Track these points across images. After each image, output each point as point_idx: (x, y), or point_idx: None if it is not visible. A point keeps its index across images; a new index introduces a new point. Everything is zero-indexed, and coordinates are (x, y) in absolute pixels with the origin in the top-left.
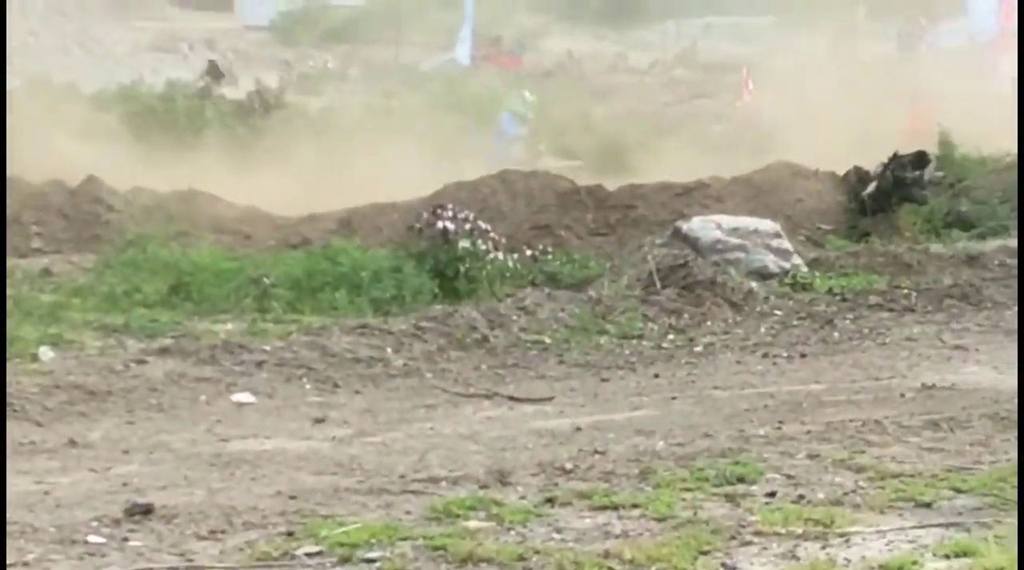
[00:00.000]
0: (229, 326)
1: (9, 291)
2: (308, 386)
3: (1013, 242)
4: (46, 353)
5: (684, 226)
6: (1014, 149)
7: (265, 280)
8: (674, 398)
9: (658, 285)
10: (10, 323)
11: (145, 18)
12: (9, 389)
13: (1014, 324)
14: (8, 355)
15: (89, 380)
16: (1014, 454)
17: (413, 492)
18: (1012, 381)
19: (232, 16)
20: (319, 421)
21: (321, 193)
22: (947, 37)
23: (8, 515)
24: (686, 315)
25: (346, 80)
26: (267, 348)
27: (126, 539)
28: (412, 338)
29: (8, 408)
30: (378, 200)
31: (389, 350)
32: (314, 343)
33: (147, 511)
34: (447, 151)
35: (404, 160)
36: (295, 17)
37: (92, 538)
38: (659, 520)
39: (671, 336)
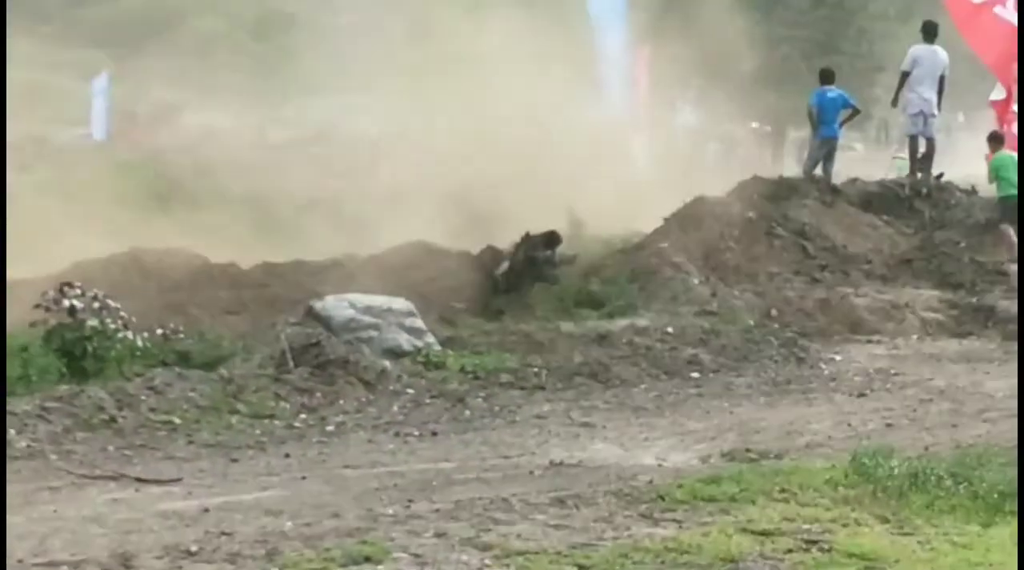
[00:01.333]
0: None
1: None
2: None
3: (641, 321)
4: None
5: (318, 305)
6: (641, 228)
7: None
8: (304, 478)
9: (291, 364)
10: None
11: None
12: None
13: (641, 401)
14: None
15: None
16: (636, 530)
17: None
18: (636, 458)
19: None
20: None
21: None
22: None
23: None
24: (319, 394)
25: None
26: None
27: None
28: (37, 419)
29: None
30: (9, 277)
31: (13, 431)
32: None
33: None
34: (79, 226)
35: (35, 236)
36: None
37: None
38: None
39: (303, 415)
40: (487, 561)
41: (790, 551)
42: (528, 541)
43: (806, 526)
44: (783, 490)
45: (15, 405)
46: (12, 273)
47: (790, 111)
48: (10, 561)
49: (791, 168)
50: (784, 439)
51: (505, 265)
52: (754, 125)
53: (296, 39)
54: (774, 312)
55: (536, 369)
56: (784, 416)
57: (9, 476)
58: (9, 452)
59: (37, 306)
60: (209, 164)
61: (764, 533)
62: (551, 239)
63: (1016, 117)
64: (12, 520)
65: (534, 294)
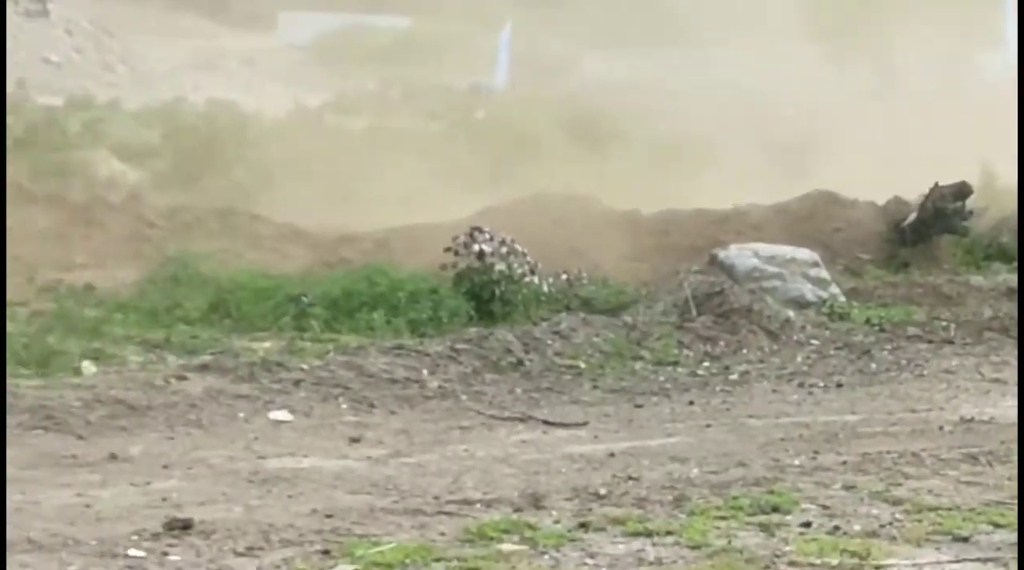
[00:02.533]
0: (267, 344)
1: (52, 305)
2: (344, 405)
3: None
4: (88, 368)
5: (721, 253)
6: None
7: (303, 299)
8: (708, 426)
9: (694, 312)
10: (53, 337)
11: (188, 36)
12: (52, 403)
13: None
14: (51, 369)
15: (130, 395)
16: None
17: (447, 513)
18: None
19: (274, 34)
20: (355, 441)
21: (359, 213)
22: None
23: (49, 527)
24: (722, 343)
25: (386, 101)
26: (304, 367)
27: (165, 554)
28: (448, 360)
29: (50, 421)
30: (416, 221)
31: (425, 371)
32: (351, 363)
33: (186, 526)
34: (486, 173)
35: (442, 181)
36: (337, 37)
37: (132, 552)
38: (693, 548)
39: (706, 363)
40: (898, 515)
41: None
42: (940, 497)
43: None
44: None
45: (428, 345)
46: (423, 218)
47: None
48: (426, 497)
49: None
50: None
51: (912, 216)
52: None
53: None
54: None
55: (944, 323)
56: None
57: (422, 415)
58: (421, 391)
59: (447, 249)
60: (610, 112)
61: None
62: (961, 191)
63: None
64: (426, 457)
65: (942, 246)
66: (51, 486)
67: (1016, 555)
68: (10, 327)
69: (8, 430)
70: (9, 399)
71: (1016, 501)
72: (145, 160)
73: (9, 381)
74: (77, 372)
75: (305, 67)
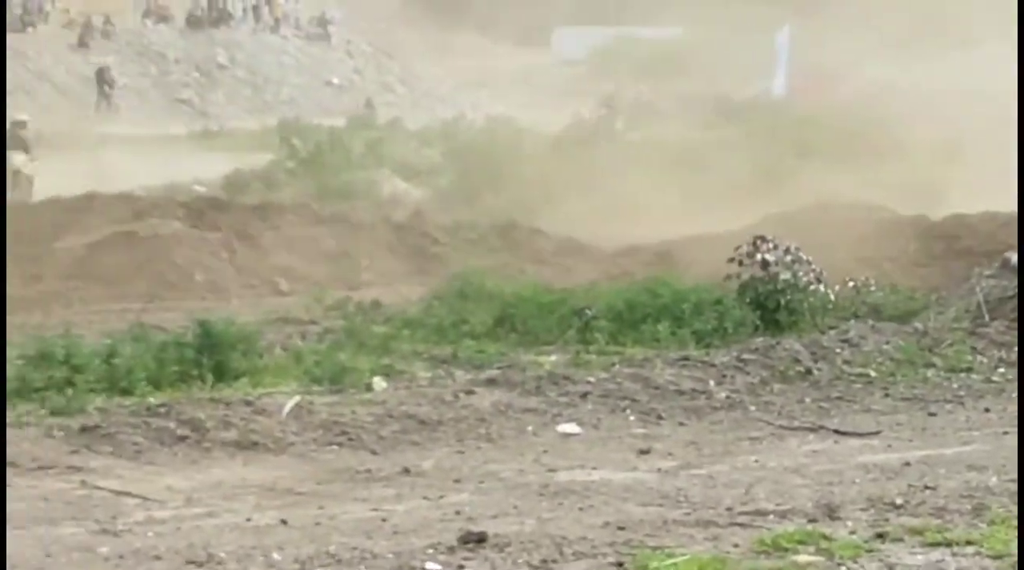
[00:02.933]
0: (553, 357)
1: (342, 323)
2: (632, 417)
3: None
4: (379, 383)
5: (1013, 257)
6: None
7: (587, 312)
8: (1006, 433)
9: (986, 317)
10: (344, 354)
11: (464, 55)
12: (344, 419)
13: None
14: (343, 385)
15: (420, 410)
16: None
17: (740, 525)
18: None
19: (548, 51)
20: (644, 452)
21: (639, 225)
22: None
23: (347, 541)
24: (1016, 348)
25: (661, 112)
26: (591, 379)
27: (461, 567)
28: (734, 370)
29: (344, 437)
30: (697, 232)
31: (711, 382)
32: (637, 375)
33: (480, 539)
34: (765, 181)
35: (721, 191)
36: (609, 50)
37: (429, 565)
38: (995, 558)
39: (1001, 369)
40: None
41: None
42: None
43: None
44: None
45: (714, 356)
46: (705, 227)
47: None
48: (718, 509)
49: None
50: None
51: None
52: None
53: None
54: None
55: None
56: None
57: (710, 426)
58: (709, 402)
59: (731, 260)
60: (889, 117)
61: None
62: None
63: None
64: (717, 468)
65: None
66: (347, 500)
67: None
68: (303, 344)
69: (304, 445)
70: (304, 415)
71: None
72: (427, 178)
73: (304, 397)
74: (368, 388)
75: (579, 81)
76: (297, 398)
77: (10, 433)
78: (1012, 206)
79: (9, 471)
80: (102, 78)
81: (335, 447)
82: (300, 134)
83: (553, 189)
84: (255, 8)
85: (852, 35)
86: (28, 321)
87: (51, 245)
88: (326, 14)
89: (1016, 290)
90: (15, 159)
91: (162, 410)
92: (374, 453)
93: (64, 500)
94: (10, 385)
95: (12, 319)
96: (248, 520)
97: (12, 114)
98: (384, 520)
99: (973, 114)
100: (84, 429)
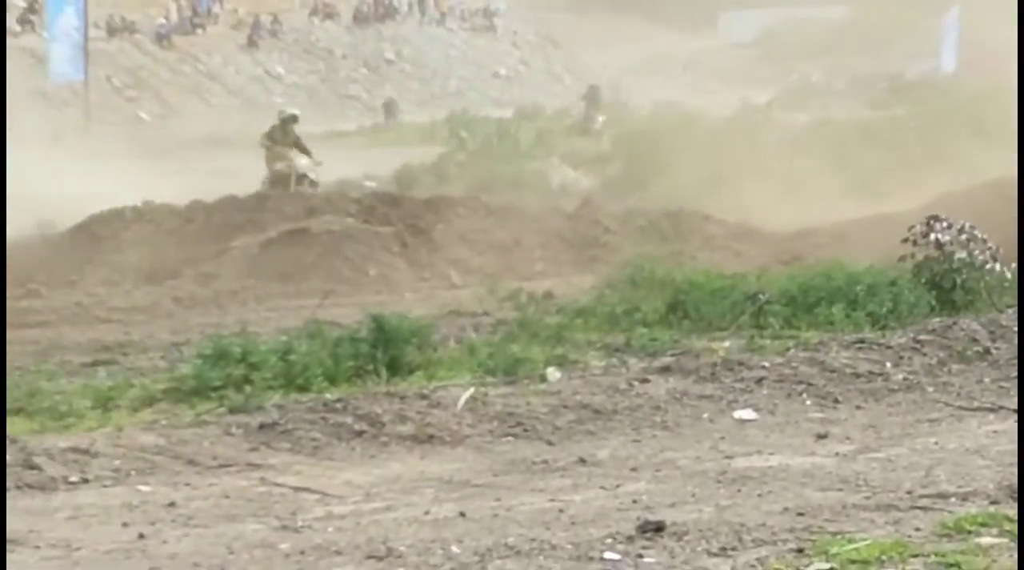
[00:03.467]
0: (727, 343)
1: (515, 314)
2: (808, 402)
3: None
4: (553, 374)
5: None
6: None
7: (760, 297)
8: None
9: None
10: (517, 345)
11: (630, 41)
12: (520, 409)
13: None
14: (517, 376)
15: (595, 399)
16: None
17: (921, 508)
18: None
19: (715, 34)
20: (822, 437)
21: (811, 208)
22: None
23: (526, 533)
24: None
25: (831, 92)
26: (766, 364)
27: (640, 556)
28: (911, 352)
29: (519, 428)
30: (871, 213)
31: (888, 364)
32: (812, 359)
33: (659, 528)
34: (938, 160)
35: (894, 171)
36: (778, 32)
37: (608, 555)
38: None
39: None
40: None
41: None
42: None
43: None
44: None
45: (890, 338)
46: (877, 208)
47: None
48: (899, 492)
49: None
50: None
51: None
52: None
53: None
54: None
55: None
56: None
57: (888, 408)
58: (886, 384)
59: (905, 240)
60: None
61: None
62: None
63: None
64: (895, 451)
65: None
66: (524, 491)
67: None
68: (476, 337)
69: (480, 437)
70: (479, 407)
71: None
72: (595, 166)
73: (479, 390)
74: (542, 378)
75: (748, 64)
76: (472, 390)
77: (190, 432)
78: None
79: (190, 470)
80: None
81: (511, 438)
82: (468, 126)
83: (723, 174)
84: (420, 2)
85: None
86: (205, 320)
87: (227, 244)
88: (491, 5)
89: None
90: (299, 161)
91: (339, 405)
92: (550, 443)
93: (244, 497)
94: (189, 384)
95: (190, 319)
96: (426, 513)
97: (283, 110)
98: (561, 511)
99: None
100: (262, 426)
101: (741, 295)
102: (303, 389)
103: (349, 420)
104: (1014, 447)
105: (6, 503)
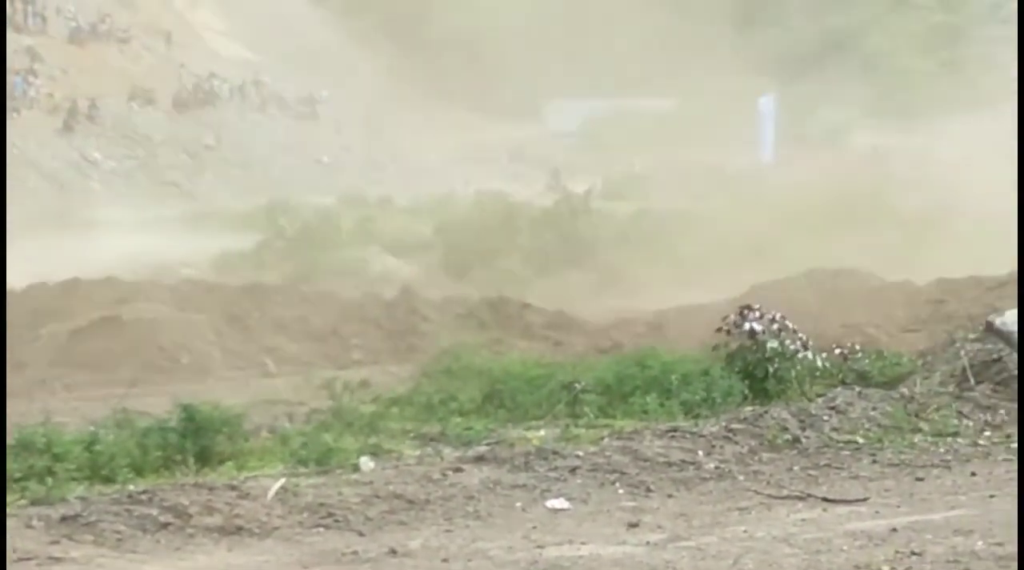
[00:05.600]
0: (542, 432)
1: (330, 403)
2: (621, 491)
3: None
4: (366, 463)
5: (997, 320)
6: None
7: (576, 386)
8: (992, 496)
9: (972, 381)
10: (331, 434)
11: (455, 129)
12: (331, 500)
13: None
14: (330, 466)
15: (408, 489)
16: None
17: None
18: None
19: (539, 123)
20: (633, 526)
21: (631, 297)
22: None
23: None
24: (1002, 411)
25: (652, 182)
26: (580, 453)
27: None
28: (723, 440)
29: (330, 518)
30: (687, 302)
31: (700, 453)
32: (626, 447)
33: None
34: (755, 251)
35: (712, 261)
36: (602, 122)
37: None
38: None
39: (987, 433)
40: None
41: None
42: None
43: None
44: None
45: (703, 427)
46: (693, 298)
47: None
48: None
49: None
50: None
51: None
52: None
53: (962, 52)
54: None
55: None
56: None
57: (699, 496)
58: (698, 473)
59: (719, 330)
60: (879, 184)
61: None
62: None
63: None
64: (705, 540)
65: None
66: None
67: None
68: (289, 426)
69: (290, 529)
70: (290, 498)
71: None
72: (417, 254)
73: (290, 480)
74: (355, 468)
75: (571, 154)
76: (282, 481)
77: None
78: (998, 270)
79: None
80: None
81: (321, 529)
82: (289, 213)
83: (544, 263)
84: (241, 88)
85: (840, 102)
86: (11, 409)
87: (36, 331)
88: (314, 93)
89: (999, 354)
90: None
91: (144, 497)
92: (361, 534)
93: None
94: None
95: None
96: None
97: None
98: None
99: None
100: (64, 518)
101: (557, 384)
102: (108, 480)
103: (155, 512)
104: (821, 534)
105: (6, 506)
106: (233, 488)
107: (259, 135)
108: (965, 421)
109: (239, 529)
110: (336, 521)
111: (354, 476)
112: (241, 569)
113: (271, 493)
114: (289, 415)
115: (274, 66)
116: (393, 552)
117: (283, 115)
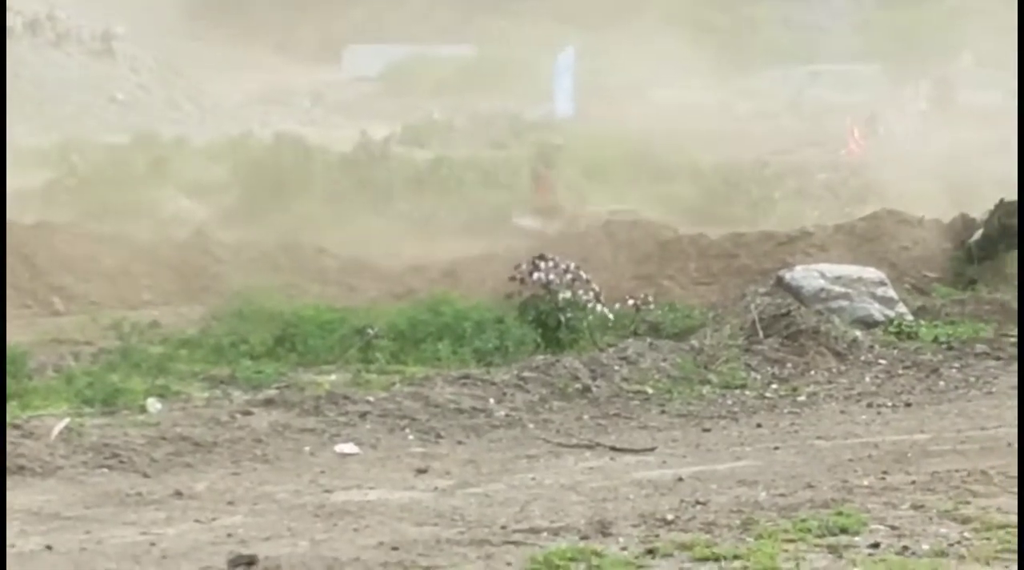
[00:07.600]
0: (333, 377)
1: (118, 343)
2: (411, 437)
3: None
4: (154, 405)
5: (787, 275)
6: None
7: (369, 331)
8: (777, 448)
9: (761, 334)
10: (118, 375)
11: (255, 71)
12: (116, 441)
13: None
14: (116, 406)
15: (195, 431)
16: None
17: (514, 543)
18: None
19: (341, 68)
20: (422, 472)
21: (427, 244)
22: None
23: (113, 566)
24: (789, 364)
25: (452, 130)
26: (371, 399)
27: None
28: (514, 388)
29: (115, 459)
30: (482, 251)
31: (491, 400)
32: (417, 394)
33: (251, 562)
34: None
35: (507, 210)
36: (402, 68)
37: None
38: None
39: (774, 386)
40: (966, 534)
41: None
42: (1009, 514)
43: None
44: None
45: (494, 374)
46: (489, 247)
47: None
48: (493, 527)
49: None
50: None
51: (979, 233)
52: None
53: (761, 9)
54: None
55: (1013, 339)
56: None
57: (489, 444)
58: (488, 420)
59: (512, 278)
60: (676, 137)
61: None
62: None
63: None
64: (493, 487)
65: (1009, 263)
66: (116, 525)
67: None
68: (75, 366)
69: (73, 469)
70: (74, 438)
71: None
72: (212, 196)
73: (74, 420)
74: (142, 410)
75: (372, 99)
76: (66, 420)
77: None
78: (792, 226)
79: None
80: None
81: (105, 470)
82: (81, 151)
83: (340, 208)
84: (34, 23)
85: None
86: None
87: None
88: (110, 29)
89: (787, 308)
90: None
91: None
92: (146, 476)
93: None
94: None
95: None
96: (11, 546)
97: None
98: (153, 544)
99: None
100: None
101: (350, 329)
102: None
103: None
104: (607, 483)
105: (6, 499)
106: (16, 427)
107: (52, 71)
108: (753, 374)
109: (21, 468)
110: (121, 462)
111: (141, 417)
112: (22, 508)
113: (55, 433)
114: (75, 355)
115: (69, 0)
116: (178, 494)
117: (78, 51)
